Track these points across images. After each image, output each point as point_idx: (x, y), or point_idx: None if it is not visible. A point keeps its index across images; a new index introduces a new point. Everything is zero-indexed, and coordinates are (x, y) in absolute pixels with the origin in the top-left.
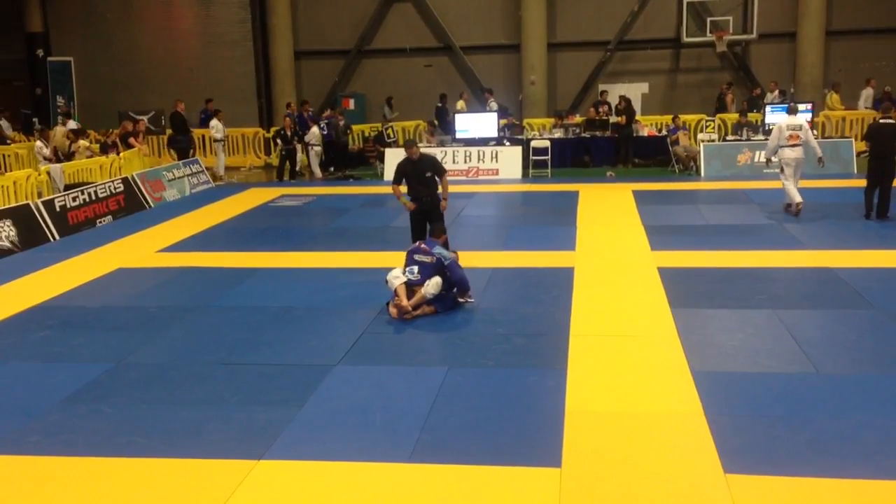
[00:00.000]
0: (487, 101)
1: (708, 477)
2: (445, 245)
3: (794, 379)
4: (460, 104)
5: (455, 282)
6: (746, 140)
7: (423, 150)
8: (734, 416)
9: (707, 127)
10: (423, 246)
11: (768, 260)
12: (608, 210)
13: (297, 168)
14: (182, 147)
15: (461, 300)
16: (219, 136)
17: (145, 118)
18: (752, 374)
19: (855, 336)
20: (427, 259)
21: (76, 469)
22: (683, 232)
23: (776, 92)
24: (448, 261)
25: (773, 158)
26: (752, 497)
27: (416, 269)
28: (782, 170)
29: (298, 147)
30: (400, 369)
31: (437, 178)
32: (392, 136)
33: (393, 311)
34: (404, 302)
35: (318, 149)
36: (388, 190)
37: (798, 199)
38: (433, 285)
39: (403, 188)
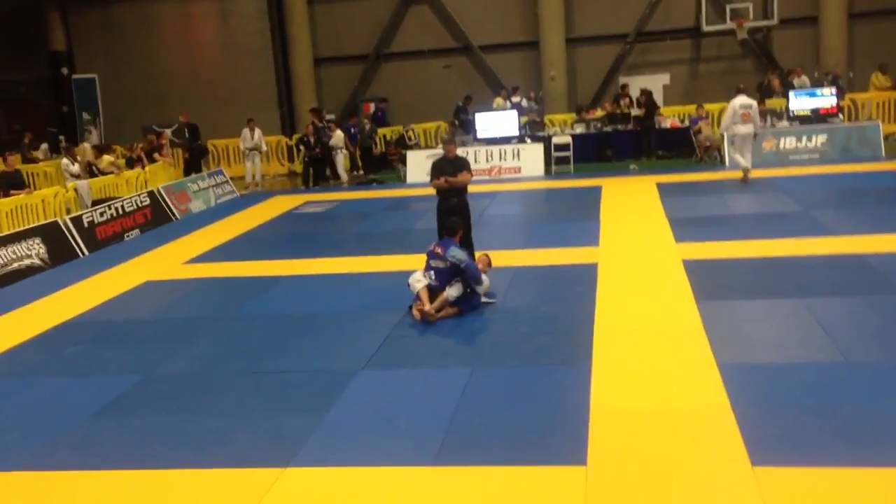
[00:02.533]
0: (507, 98)
1: (735, 471)
2: (464, 242)
3: (822, 368)
4: (498, 101)
5: (469, 279)
6: (771, 127)
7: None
8: (761, 408)
9: None
10: (437, 250)
11: (794, 248)
12: (631, 204)
13: (326, 173)
14: (195, 154)
15: (484, 300)
16: (246, 145)
17: (168, 131)
18: (779, 364)
19: (883, 322)
20: (442, 264)
21: (105, 483)
22: (708, 223)
23: (802, 77)
24: (463, 263)
25: (726, 133)
26: (780, 489)
27: (433, 274)
28: (732, 142)
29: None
30: (424, 372)
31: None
32: (413, 138)
33: (416, 313)
34: (427, 306)
35: (344, 153)
36: (411, 192)
37: (745, 164)
38: (454, 290)
39: None
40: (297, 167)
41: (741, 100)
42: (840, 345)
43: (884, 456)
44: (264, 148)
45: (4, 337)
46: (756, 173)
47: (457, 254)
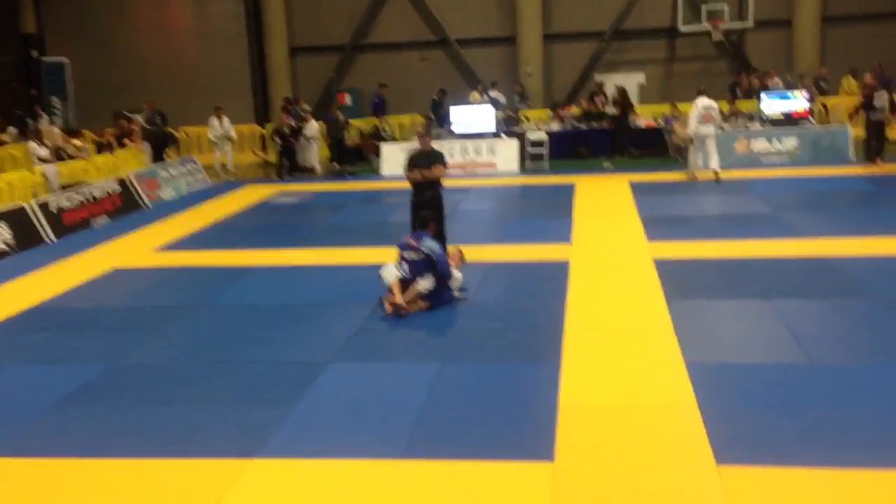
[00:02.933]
0: (484, 92)
1: (700, 468)
2: (437, 236)
3: (787, 369)
4: (474, 95)
5: (439, 276)
6: (744, 129)
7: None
8: (727, 407)
9: None
10: (410, 241)
11: (764, 250)
12: (604, 202)
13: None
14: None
15: (456, 295)
16: (215, 134)
17: (140, 116)
18: (746, 364)
19: (849, 325)
20: (415, 256)
21: (73, 471)
22: (680, 223)
23: (775, 79)
24: (436, 255)
25: (690, 133)
26: (744, 488)
27: (406, 266)
28: (692, 142)
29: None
30: (394, 365)
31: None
32: (388, 131)
33: (388, 306)
34: (398, 298)
35: (317, 143)
36: (385, 185)
37: (697, 168)
38: (426, 282)
39: None
40: (271, 157)
41: (704, 101)
42: (806, 347)
43: (848, 457)
44: (234, 136)
45: None
46: (727, 174)
47: (431, 245)
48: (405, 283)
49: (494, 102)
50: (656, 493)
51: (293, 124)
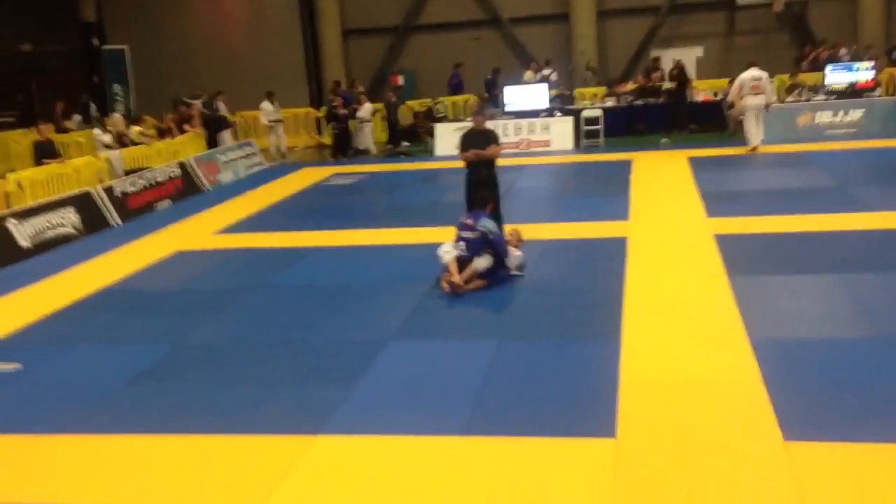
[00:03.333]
0: (538, 70)
1: (767, 446)
2: (494, 215)
3: (855, 344)
4: (528, 74)
5: (496, 255)
6: (806, 101)
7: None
8: (794, 384)
9: None
10: (468, 221)
11: (829, 223)
12: (662, 178)
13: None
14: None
15: (514, 273)
16: (269, 118)
17: (199, 102)
18: (812, 340)
19: None
20: (472, 235)
21: (140, 447)
22: (741, 198)
23: (842, 50)
24: (493, 235)
25: (734, 103)
26: (812, 464)
27: (463, 244)
28: (744, 114)
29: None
30: (452, 344)
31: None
32: (442, 111)
33: (445, 285)
34: (456, 277)
35: (371, 125)
36: (440, 165)
37: (756, 141)
38: (483, 260)
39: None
40: (326, 139)
41: (752, 72)
42: (875, 321)
43: None
44: (281, 119)
45: (39, 304)
46: (790, 148)
47: (488, 224)
48: (463, 262)
49: (546, 81)
50: (722, 470)
51: (338, 107)
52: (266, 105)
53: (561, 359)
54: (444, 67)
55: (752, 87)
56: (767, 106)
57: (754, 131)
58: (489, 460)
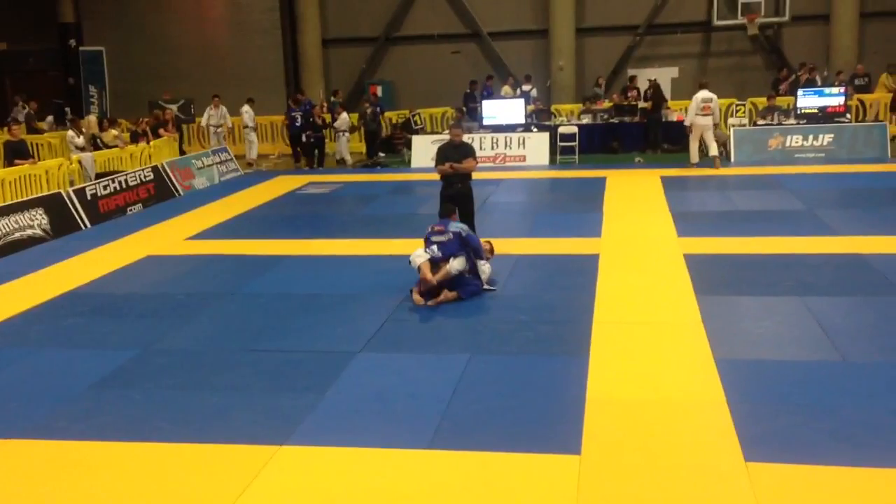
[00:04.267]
0: (516, 86)
1: (728, 465)
2: (468, 212)
3: (819, 367)
4: (506, 89)
5: (473, 249)
6: (778, 124)
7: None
8: (757, 405)
9: (737, 112)
10: (436, 227)
11: (797, 246)
12: (635, 196)
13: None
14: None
15: (486, 288)
16: (250, 123)
17: (174, 107)
18: (776, 361)
19: (883, 323)
20: (444, 238)
21: (104, 453)
22: (711, 218)
23: (812, 74)
24: (466, 233)
25: (687, 122)
26: (773, 485)
27: (435, 247)
28: (691, 131)
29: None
30: (423, 356)
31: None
32: (420, 123)
33: (416, 297)
34: (429, 276)
35: (348, 135)
36: (416, 177)
37: (696, 159)
38: (458, 262)
39: None
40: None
41: (703, 94)
42: (838, 344)
43: (879, 457)
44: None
45: (5, 306)
46: (761, 170)
47: (459, 225)
48: (436, 264)
49: (526, 96)
50: (684, 488)
51: (297, 116)
52: (249, 109)
53: (530, 374)
54: (423, 79)
55: (703, 109)
56: (716, 125)
57: (696, 150)
58: (455, 474)
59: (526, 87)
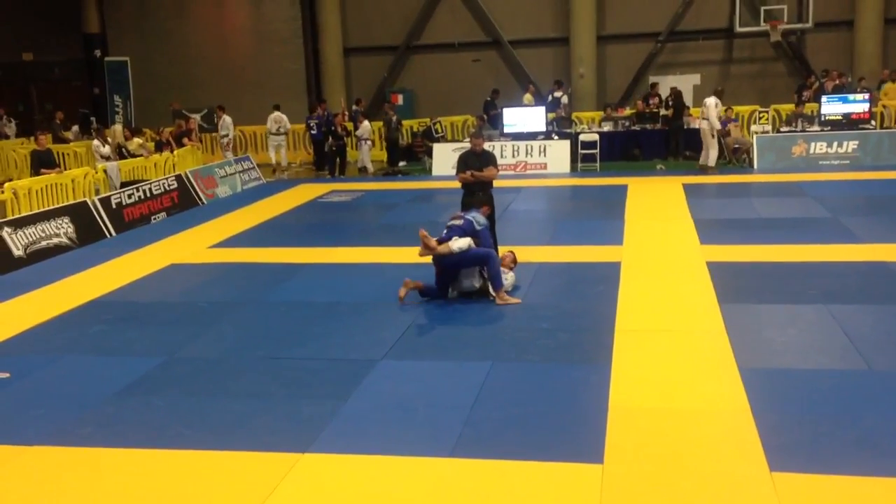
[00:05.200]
0: (536, 93)
1: (753, 475)
2: (490, 218)
3: (844, 376)
4: (527, 97)
5: (479, 250)
6: (801, 131)
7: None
8: (782, 414)
9: (761, 118)
10: (458, 213)
11: (821, 254)
12: (657, 204)
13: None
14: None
15: (492, 295)
16: (273, 130)
17: (197, 116)
18: (801, 370)
19: None
20: (458, 222)
21: (127, 460)
22: (734, 226)
23: (842, 81)
24: (481, 227)
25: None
26: (798, 495)
27: (444, 231)
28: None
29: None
30: (444, 364)
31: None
32: (440, 131)
33: (401, 291)
34: (432, 242)
35: (370, 143)
36: (437, 185)
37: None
38: (461, 242)
39: None
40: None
41: (712, 99)
42: (864, 352)
43: None
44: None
45: (31, 314)
46: (785, 177)
47: (478, 217)
48: (441, 241)
49: (556, 102)
50: (708, 498)
51: (338, 125)
52: (278, 116)
53: (552, 382)
54: (444, 87)
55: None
56: (726, 132)
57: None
58: (477, 483)
59: (557, 94)
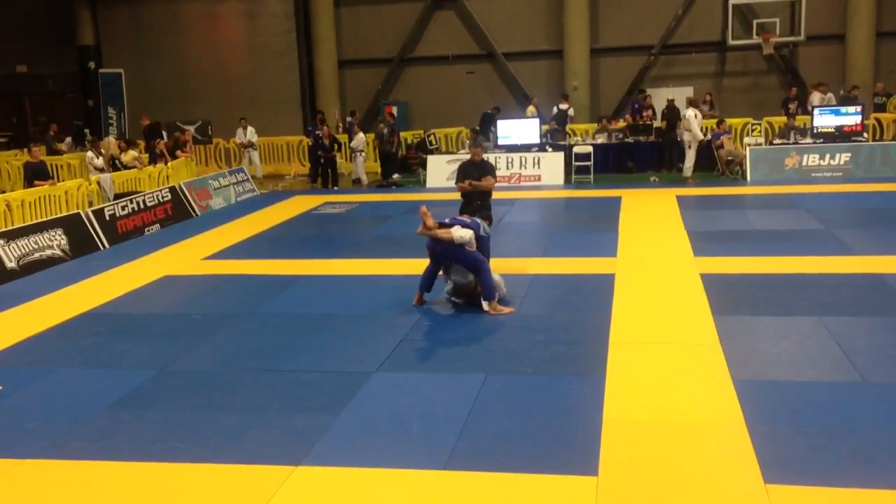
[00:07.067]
0: (537, 106)
1: (748, 488)
2: (483, 248)
3: (839, 388)
4: (530, 109)
5: (476, 254)
6: (794, 143)
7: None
8: (776, 426)
9: (753, 131)
10: (464, 216)
11: (814, 266)
12: (651, 216)
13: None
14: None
15: (485, 306)
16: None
17: (192, 128)
18: (795, 382)
19: None
20: (465, 219)
21: (120, 474)
22: (728, 238)
23: (828, 94)
24: (485, 234)
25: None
26: None
27: (448, 219)
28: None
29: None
30: (438, 376)
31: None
32: (435, 143)
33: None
34: (430, 221)
35: (364, 155)
36: (431, 197)
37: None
38: (464, 232)
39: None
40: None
41: (692, 110)
42: (858, 365)
43: None
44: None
45: (24, 326)
46: (778, 189)
47: (484, 225)
48: (443, 225)
49: (563, 115)
50: None
51: (319, 135)
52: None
53: (546, 394)
54: (438, 99)
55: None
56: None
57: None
58: (471, 495)
59: (563, 106)
